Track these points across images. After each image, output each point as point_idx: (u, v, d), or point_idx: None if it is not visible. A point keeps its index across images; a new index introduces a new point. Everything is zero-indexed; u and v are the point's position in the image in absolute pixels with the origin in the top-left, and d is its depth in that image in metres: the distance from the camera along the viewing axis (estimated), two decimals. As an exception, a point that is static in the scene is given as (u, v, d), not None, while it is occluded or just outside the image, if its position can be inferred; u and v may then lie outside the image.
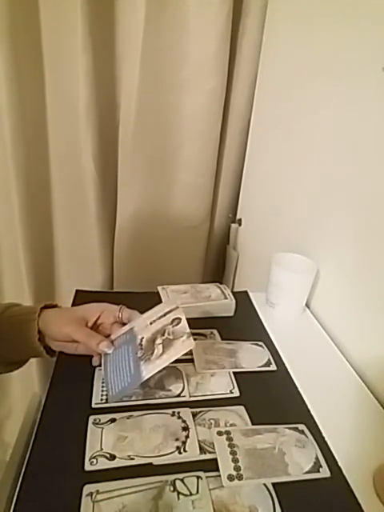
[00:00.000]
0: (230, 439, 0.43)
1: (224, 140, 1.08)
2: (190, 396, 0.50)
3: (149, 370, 0.46)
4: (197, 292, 0.70)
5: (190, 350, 0.56)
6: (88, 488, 0.37)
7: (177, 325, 0.50)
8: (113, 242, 1.15)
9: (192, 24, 0.91)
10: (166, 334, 0.49)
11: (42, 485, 0.38)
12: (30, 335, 0.50)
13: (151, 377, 0.47)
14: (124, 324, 0.55)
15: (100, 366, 0.52)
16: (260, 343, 0.61)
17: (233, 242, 1.18)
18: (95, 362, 0.53)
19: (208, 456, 0.41)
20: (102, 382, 0.50)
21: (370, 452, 0.45)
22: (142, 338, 0.51)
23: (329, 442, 0.44)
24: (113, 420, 0.45)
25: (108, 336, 0.54)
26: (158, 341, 0.49)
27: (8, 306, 0.54)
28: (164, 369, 0.47)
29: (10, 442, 0.49)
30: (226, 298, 0.68)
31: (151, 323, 0.52)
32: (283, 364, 0.57)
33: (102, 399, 0.48)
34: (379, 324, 0.57)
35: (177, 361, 0.47)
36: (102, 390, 0.49)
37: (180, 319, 0.50)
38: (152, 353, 0.48)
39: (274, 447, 0.43)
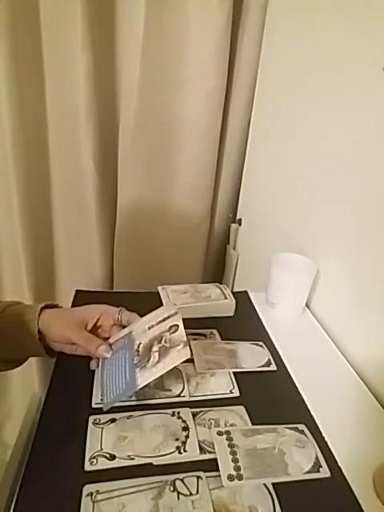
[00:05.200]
0: (230, 439, 0.43)
1: (224, 140, 1.08)
2: (190, 396, 0.50)
3: (144, 379, 0.46)
4: (197, 292, 0.70)
5: (190, 350, 0.56)
6: (88, 488, 0.37)
7: (174, 332, 0.50)
8: (113, 241, 1.15)
9: (192, 24, 0.91)
10: (162, 342, 0.49)
11: (41, 485, 0.38)
12: (30, 335, 0.50)
13: (146, 384, 0.47)
14: (123, 326, 0.55)
15: (98, 368, 0.52)
16: (260, 343, 0.61)
17: (233, 242, 1.18)
18: (93, 365, 0.53)
19: (208, 456, 0.41)
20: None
21: (370, 452, 0.45)
22: (140, 343, 0.51)
23: (329, 442, 0.44)
24: (113, 420, 0.45)
25: (107, 338, 0.54)
26: (155, 348, 0.49)
27: (9, 305, 0.54)
28: None
29: (10, 442, 0.49)
30: (226, 298, 0.68)
31: (150, 328, 0.52)
32: (283, 364, 0.57)
33: (101, 399, 0.48)
34: (379, 324, 0.57)
35: (177, 361, 0.47)
36: (101, 392, 0.49)
37: (178, 326, 0.50)
38: (148, 360, 0.48)
39: (274, 447, 0.43)
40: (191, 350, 0.57)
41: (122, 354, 0.51)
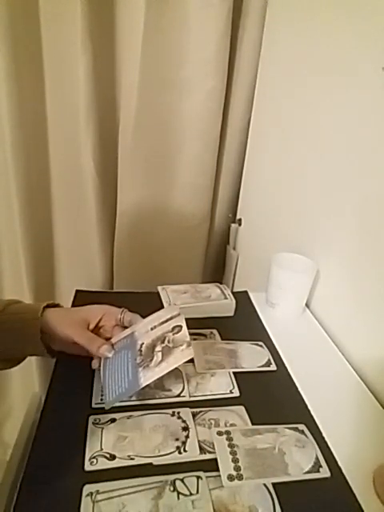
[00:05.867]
0: (230, 439, 0.43)
1: (224, 140, 1.08)
2: (190, 396, 0.50)
3: (147, 378, 0.46)
4: (197, 292, 0.70)
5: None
6: (88, 488, 0.37)
7: (177, 333, 0.50)
8: (113, 241, 1.15)
9: (192, 24, 0.91)
10: (165, 342, 0.49)
11: (42, 485, 0.38)
12: (31, 334, 0.50)
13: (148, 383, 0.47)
14: (125, 327, 0.55)
15: (99, 368, 0.52)
16: (260, 343, 0.61)
17: (233, 242, 1.18)
18: (95, 364, 0.53)
19: (208, 456, 0.41)
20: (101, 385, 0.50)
21: (370, 452, 0.45)
22: (142, 343, 0.51)
23: (329, 442, 0.44)
24: (113, 420, 0.45)
25: (109, 339, 0.54)
26: (158, 348, 0.49)
27: (9, 303, 0.54)
28: None
29: (10, 442, 0.49)
30: (226, 298, 0.68)
31: (152, 329, 0.52)
32: (283, 364, 0.57)
33: (101, 399, 0.48)
34: (379, 324, 0.57)
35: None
36: (102, 391, 0.49)
37: (181, 327, 0.50)
38: (151, 360, 0.48)
39: (274, 447, 0.43)
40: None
41: (125, 353, 0.51)
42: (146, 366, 0.47)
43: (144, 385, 0.46)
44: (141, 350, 0.50)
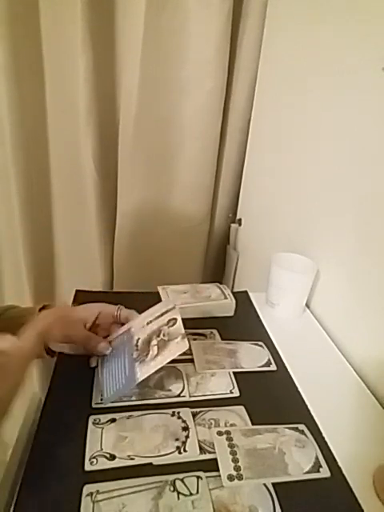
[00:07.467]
0: (230, 439, 0.43)
1: (224, 140, 1.08)
2: (190, 396, 0.50)
3: (143, 372, 0.46)
4: (197, 292, 0.70)
5: (190, 350, 0.56)
6: (88, 488, 0.37)
7: (172, 326, 0.50)
8: (113, 241, 1.15)
9: (192, 24, 0.91)
10: (161, 335, 0.49)
11: (42, 485, 0.38)
12: None
13: (148, 377, 0.47)
14: (122, 324, 0.55)
15: (98, 365, 0.52)
16: (260, 343, 0.61)
17: (233, 242, 1.18)
18: (93, 363, 0.53)
19: (208, 456, 0.42)
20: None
21: (370, 452, 0.45)
22: (139, 338, 0.51)
23: (329, 442, 0.44)
24: (113, 420, 0.45)
25: (106, 336, 0.54)
26: (154, 342, 0.49)
27: (6, 309, 0.54)
28: (162, 369, 0.47)
29: (10, 442, 0.49)
30: (225, 297, 0.68)
31: (148, 323, 0.52)
32: (283, 364, 0.57)
33: (101, 398, 0.48)
34: (379, 324, 0.57)
35: (176, 361, 0.47)
36: (101, 388, 0.49)
37: (175, 320, 0.50)
38: (147, 354, 0.48)
39: (274, 447, 0.43)
40: (191, 348, 0.57)
41: (122, 349, 0.51)
42: (143, 360, 0.48)
43: (141, 379, 0.46)
44: (137, 345, 0.50)
